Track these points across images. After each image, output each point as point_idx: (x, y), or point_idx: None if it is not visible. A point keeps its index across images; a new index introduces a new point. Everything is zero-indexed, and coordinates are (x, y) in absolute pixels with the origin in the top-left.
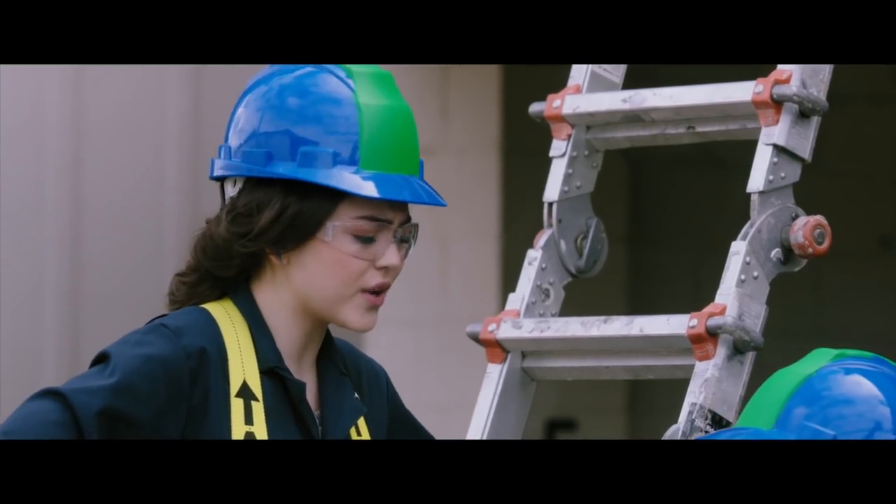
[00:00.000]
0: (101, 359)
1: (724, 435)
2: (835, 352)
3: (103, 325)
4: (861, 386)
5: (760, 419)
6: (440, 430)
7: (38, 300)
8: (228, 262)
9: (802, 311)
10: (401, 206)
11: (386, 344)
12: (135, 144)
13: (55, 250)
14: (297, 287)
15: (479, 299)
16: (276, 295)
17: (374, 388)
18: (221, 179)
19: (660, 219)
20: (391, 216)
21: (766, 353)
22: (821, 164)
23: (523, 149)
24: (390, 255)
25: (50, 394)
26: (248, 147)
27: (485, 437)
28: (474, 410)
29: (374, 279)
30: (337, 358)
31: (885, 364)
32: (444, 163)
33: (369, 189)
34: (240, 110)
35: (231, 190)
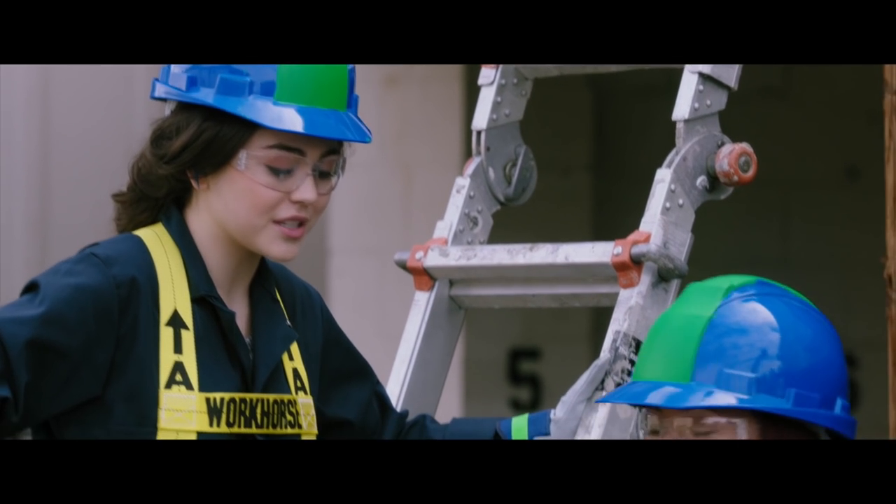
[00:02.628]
0: (31, 288)
1: (636, 388)
2: (720, 286)
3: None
4: (757, 314)
5: (672, 372)
6: None
7: (7, 230)
8: (157, 183)
9: (769, 240)
10: (320, 140)
11: (350, 272)
12: (104, 73)
13: (24, 180)
14: (215, 213)
15: None
16: (201, 221)
17: (309, 313)
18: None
19: (625, 148)
20: (306, 149)
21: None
22: (788, 95)
23: None
24: (305, 190)
25: None
26: (179, 70)
27: (412, 365)
28: (402, 338)
29: (288, 212)
30: (269, 285)
31: (774, 287)
32: (408, 92)
33: (274, 120)
34: None
35: (167, 112)
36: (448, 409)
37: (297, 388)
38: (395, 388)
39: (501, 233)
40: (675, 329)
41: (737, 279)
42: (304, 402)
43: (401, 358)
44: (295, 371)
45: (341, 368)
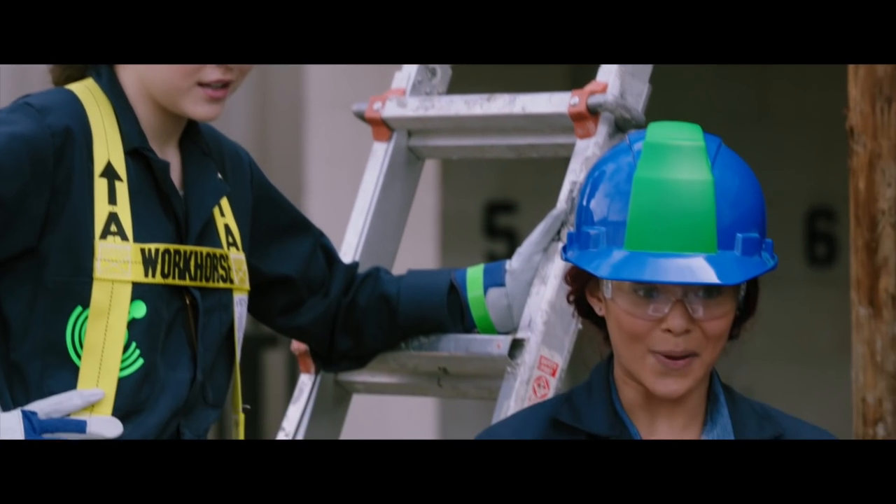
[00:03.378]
0: None
1: (650, 261)
2: (692, 144)
3: None
4: (740, 171)
5: (693, 242)
6: None
7: None
8: None
9: (746, 94)
10: None
11: (325, 126)
12: None
13: None
14: (140, 73)
15: None
16: (130, 77)
17: (237, 171)
18: None
19: None
20: None
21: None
22: None
23: None
24: None
25: None
26: None
27: (370, 216)
28: (359, 189)
29: (213, 74)
30: (199, 139)
31: (711, 135)
32: None
33: None
34: None
35: None
36: (424, 263)
37: (228, 244)
38: (353, 239)
39: (480, 87)
40: (679, 197)
41: (691, 133)
42: (236, 258)
43: (359, 209)
44: (227, 227)
45: (275, 224)
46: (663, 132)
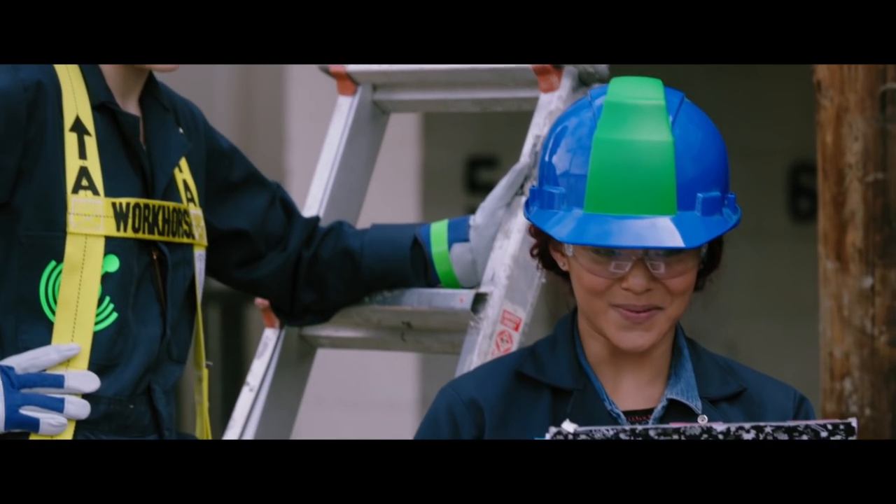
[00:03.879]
0: None
1: (610, 224)
2: (653, 103)
3: None
4: (701, 129)
5: (653, 204)
6: None
7: None
8: None
9: None
10: None
11: (308, 82)
12: None
13: None
14: None
15: None
16: None
17: (191, 127)
18: None
19: None
20: None
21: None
22: None
23: None
24: None
25: None
26: None
27: (335, 170)
28: (324, 143)
29: None
30: (159, 95)
31: (671, 88)
32: None
33: None
34: None
35: None
36: (405, 218)
37: (187, 200)
38: (318, 193)
39: None
40: (640, 159)
41: (652, 90)
42: (195, 214)
43: (323, 162)
44: (185, 182)
45: (228, 179)
46: (624, 90)
